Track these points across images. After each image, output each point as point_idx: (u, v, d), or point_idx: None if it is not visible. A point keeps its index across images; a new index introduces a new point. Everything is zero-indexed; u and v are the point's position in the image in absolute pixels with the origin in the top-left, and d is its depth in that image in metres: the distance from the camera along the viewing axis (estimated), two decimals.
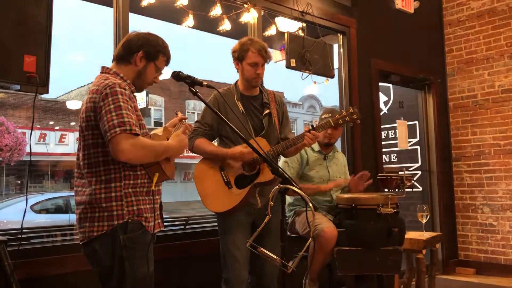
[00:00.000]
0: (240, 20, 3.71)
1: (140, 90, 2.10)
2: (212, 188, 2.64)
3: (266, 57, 2.71)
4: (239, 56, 2.72)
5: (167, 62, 2.11)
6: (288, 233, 3.30)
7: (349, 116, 2.89)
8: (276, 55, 4.58)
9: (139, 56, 2.01)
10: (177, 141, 2.00)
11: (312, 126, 2.79)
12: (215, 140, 2.84)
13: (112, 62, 2.08)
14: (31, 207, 8.60)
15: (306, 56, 3.92)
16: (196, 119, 2.87)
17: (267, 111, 2.78)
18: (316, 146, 3.33)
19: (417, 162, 5.65)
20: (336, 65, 4.41)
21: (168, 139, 2.06)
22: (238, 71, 2.79)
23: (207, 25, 3.83)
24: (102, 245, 1.86)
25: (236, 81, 2.84)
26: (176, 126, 2.15)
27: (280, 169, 2.02)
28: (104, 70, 2.03)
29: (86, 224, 1.88)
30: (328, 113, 3.25)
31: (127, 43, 2.03)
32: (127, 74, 2.02)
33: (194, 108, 23.63)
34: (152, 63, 2.04)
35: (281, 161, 3.25)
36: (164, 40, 2.09)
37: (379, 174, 3.36)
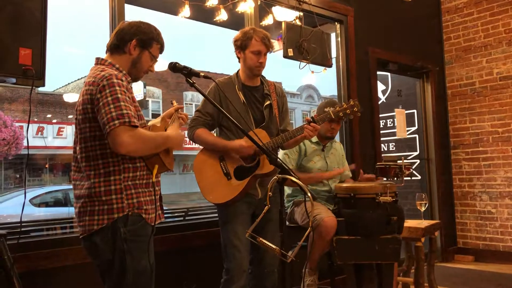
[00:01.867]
0: (236, 10, 3.68)
1: (136, 80, 2.09)
2: (211, 179, 2.64)
3: (269, 46, 2.71)
4: (241, 45, 2.70)
5: (161, 49, 2.09)
6: (288, 223, 3.31)
7: (350, 109, 2.87)
8: (274, 44, 4.55)
9: (132, 44, 1.99)
10: (176, 132, 2.00)
11: (312, 118, 2.78)
12: (214, 130, 2.83)
13: (106, 53, 2.06)
14: (30, 200, 8.62)
15: (304, 46, 3.90)
16: (194, 110, 2.86)
17: (268, 102, 2.77)
18: (314, 137, 3.31)
19: (416, 151, 5.65)
20: (333, 54, 4.39)
21: (166, 130, 2.06)
22: (239, 60, 2.78)
23: (203, 15, 3.80)
24: (102, 239, 1.86)
25: (237, 71, 2.82)
26: (172, 117, 2.14)
27: (278, 160, 2.01)
28: (99, 61, 2.01)
29: (86, 218, 1.87)
30: (331, 106, 3.22)
31: (120, 32, 2.02)
32: (122, 64, 2.00)
33: (192, 99, 23.59)
34: (146, 51, 2.03)
35: (281, 153, 3.25)
36: (156, 28, 2.07)
37: (377, 163, 3.36)
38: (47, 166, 18.71)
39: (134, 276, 1.86)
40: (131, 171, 1.90)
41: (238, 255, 2.59)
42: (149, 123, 2.05)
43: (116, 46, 2.01)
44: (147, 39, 2.02)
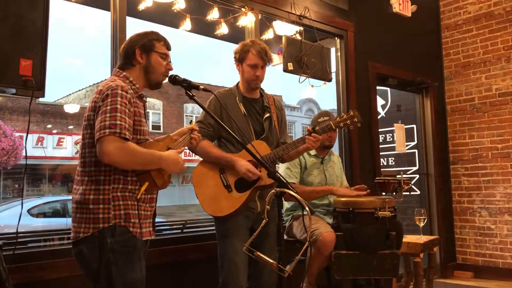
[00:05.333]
0: (237, 24, 3.72)
1: (158, 85, 2.10)
2: (212, 191, 2.61)
3: (266, 59, 2.71)
4: (240, 58, 2.72)
5: (166, 45, 2.11)
6: (286, 237, 3.30)
7: (350, 119, 2.88)
8: (274, 58, 4.57)
9: (137, 53, 2.04)
10: (173, 156, 1.97)
11: (313, 128, 2.78)
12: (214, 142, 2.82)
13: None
14: (29, 211, 8.58)
15: (304, 60, 3.92)
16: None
17: (267, 114, 2.78)
18: (312, 150, 3.31)
19: (415, 166, 5.65)
20: (333, 68, 4.42)
21: (169, 148, 2.04)
22: (239, 73, 2.79)
23: (204, 28, 3.84)
24: (88, 248, 1.86)
25: (237, 83, 2.83)
26: (184, 136, 2.15)
27: (276, 173, 2.01)
28: (116, 72, 2.06)
29: (75, 224, 1.90)
30: (325, 116, 3.24)
31: (123, 51, 2.08)
32: (136, 76, 2.04)
33: (192, 111, 23.63)
34: (152, 52, 2.06)
35: (283, 166, 3.24)
36: (153, 30, 2.12)
37: (376, 178, 3.35)
38: (46, 176, 18.65)
39: None
40: (121, 182, 1.89)
41: (235, 270, 2.56)
42: (154, 139, 2.04)
43: (126, 63, 2.06)
44: (147, 42, 2.06)
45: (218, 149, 2.70)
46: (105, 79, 2.02)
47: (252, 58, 2.68)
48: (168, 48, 2.13)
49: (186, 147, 2.24)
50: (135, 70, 2.05)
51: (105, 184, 1.88)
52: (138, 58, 2.04)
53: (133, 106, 1.91)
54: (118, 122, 1.79)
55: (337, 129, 3.19)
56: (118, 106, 1.83)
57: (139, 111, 1.96)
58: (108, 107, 1.82)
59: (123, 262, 1.86)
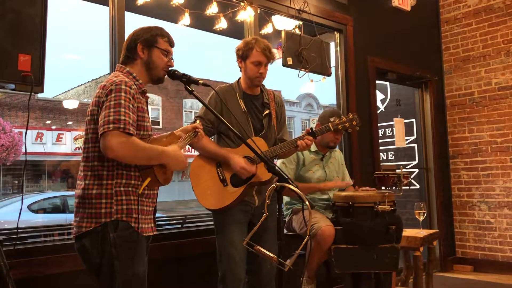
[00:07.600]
0: (236, 18, 3.70)
1: (159, 81, 2.10)
2: (207, 184, 2.63)
3: (270, 57, 2.71)
4: (243, 55, 2.72)
5: (169, 42, 2.11)
6: (286, 231, 3.30)
7: (349, 122, 2.88)
8: (275, 55, 4.57)
9: (139, 48, 2.04)
10: (175, 151, 1.98)
11: (311, 129, 2.79)
12: (212, 137, 2.83)
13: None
14: (29, 206, 8.60)
15: (303, 54, 3.91)
16: (193, 117, 2.85)
17: (267, 111, 2.78)
18: (313, 147, 3.31)
19: (414, 160, 5.65)
20: (333, 63, 4.41)
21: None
22: (241, 70, 2.79)
23: (203, 23, 3.83)
24: (91, 242, 1.87)
25: (239, 79, 2.83)
26: (187, 134, 2.16)
27: (276, 168, 2.01)
28: (119, 68, 2.06)
29: (77, 218, 1.91)
30: (337, 116, 3.16)
31: (126, 45, 2.07)
32: (139, 71, 2.05)
33: (192, 107, 23.63)
34: (154, 48, 2.05)
35: (278, 162, 3.24)
36: (157, 26, 2.11)
37: (376, 172, 3.35)
38: (46, 172, 18.66)
39: (124, 283, 1.85)
40: (124, 177, 1.90)
41: (233, 264, 2.57)
42: (158, 136, 2.04)
43: (128, 57, 2.06)
44: (150, 37, 2.05)
45: (215, 145, 2.71)
46: (111, 75, 2.02)
47: (256, 56, 2.68)
48: (171, 44, 2.12)
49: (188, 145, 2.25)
50: (137, 65, 2.05)
51: (108, 179, 1.88)
52: (139, 52, 2.04)
53: (136, 102, 1.92)
54: (122, 117, 1.80)
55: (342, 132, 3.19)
56: (122, 101, 1.83)
57: (142, 106, 1.97)
58: (112, 102, 1.82)
59: (125, 257, 1.86)
